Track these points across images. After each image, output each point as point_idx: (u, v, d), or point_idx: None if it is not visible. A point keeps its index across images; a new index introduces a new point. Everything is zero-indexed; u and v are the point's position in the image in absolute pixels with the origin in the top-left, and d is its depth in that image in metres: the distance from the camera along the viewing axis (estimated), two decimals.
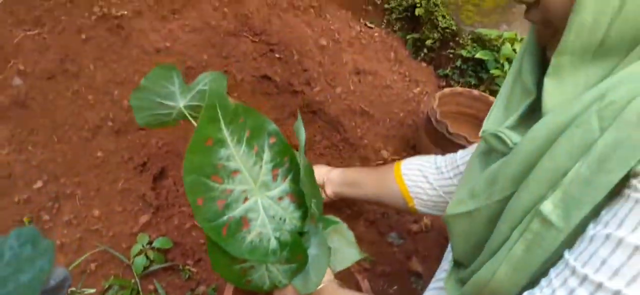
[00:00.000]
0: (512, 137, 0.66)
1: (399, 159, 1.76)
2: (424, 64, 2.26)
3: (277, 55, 1.78)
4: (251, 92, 1.73)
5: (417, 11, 2.32)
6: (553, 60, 0.58)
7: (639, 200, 0.47)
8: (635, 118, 0.48)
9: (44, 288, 0.87)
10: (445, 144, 1.56)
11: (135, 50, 1.68)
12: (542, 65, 0.68)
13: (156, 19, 1.74)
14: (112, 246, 1.44)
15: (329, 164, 1.62)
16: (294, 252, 0.80)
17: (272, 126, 0.81)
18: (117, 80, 1.65)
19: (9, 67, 1.65)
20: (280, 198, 0.82)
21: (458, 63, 2.09)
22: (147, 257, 1.41)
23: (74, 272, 1.40)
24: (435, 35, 2.20)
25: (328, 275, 0.95)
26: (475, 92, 1.74)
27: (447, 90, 1.73)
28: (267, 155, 0.80)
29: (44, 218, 1.48)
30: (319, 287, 0.89)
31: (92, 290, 1.38)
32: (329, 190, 1.37)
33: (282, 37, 1.80)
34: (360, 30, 2.13)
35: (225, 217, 0.76)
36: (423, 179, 1.17)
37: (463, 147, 1.35)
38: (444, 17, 2.17)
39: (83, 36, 1.68)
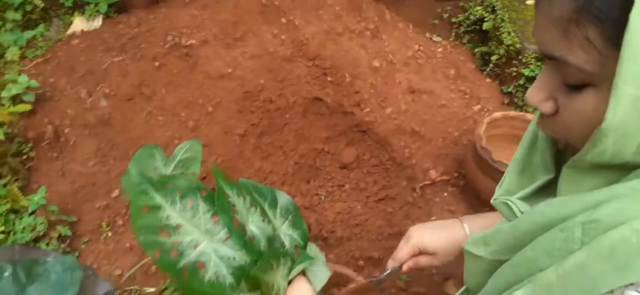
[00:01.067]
0: (519, 207, 0.67)
1: (448, 179, 1.77)
2: (489, 80, 2.20)
3: (329, 79, 1.86)
4: (303, 113, 1.83)
5: (485, 25, 2.27)
6: (569, 164, 0.56)
7: None
8: (607, 250, 0.47)
9: None
10: (489, 171, 1.53)
11: (201, 75, 1.86)
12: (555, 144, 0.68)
13: (221, 46, 1.91)
14: None
15: (376, 185, 1.68)
16: (251, 282, 0.89)
17: (198, 183, 0.91)
18: (184, 103, 1.84)
19: (98, 90, 1.91)
20: (226, 239, 0.90)
21: (521, 81, 2.02)
22: None
23: (137, 273, 1.59)
24: (501, 51, 2.14)
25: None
26: (529, 116, 1.67)
27: (498, 114, 1.69)
28: (202, 207, 0.89)
29: (118, 223, 1.70)
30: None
31: (152, 289, 1.56)
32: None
33: (335, 61, 1.88)
34: (418, 49, 2.14)
35: (181, 263, 0.86)
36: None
37: None
38: (509, 33, 2.10)
39: (157, 63, 1.89)
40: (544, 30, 0.49)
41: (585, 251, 0.48)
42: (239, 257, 0.87)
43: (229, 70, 1.85)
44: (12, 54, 2.10)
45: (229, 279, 0.85)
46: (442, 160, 1.81)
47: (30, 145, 1.85)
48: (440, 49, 2.26)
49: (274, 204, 1.03)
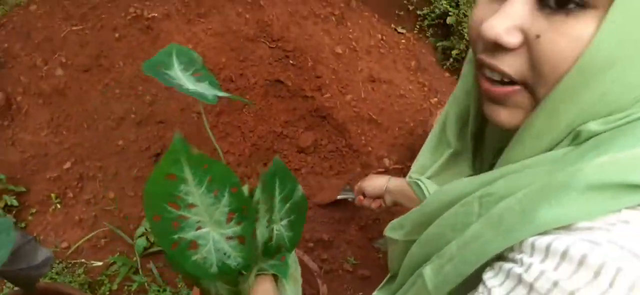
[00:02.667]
0: (428, 187, 0.71)
1: (401, 168, 1.80)
2: (448, 74, 2.25)
3: (291, 62, 1.86)
4: (263, 95, 1.83)
5: (449, 19, 2.31)
6: (525, 124, 0.52)
7: None
8: (496, 219, 0.49)
9: (29, 264, 1.04)
10: None
11: (161, 49, 1.84)
12: (467, 113, 0.71)
13: (183, 22, 1.89)
14: (120, 226, 1.60)
15: (331, 170, 1.70)
16: (231, 280, 0.90)
17: (236, 179, 0.89)
18: (142, 77, 1.81)
19: (54, 58, 1.86)
20: (230, 238, 0.90)
21: None
22: (148, 240, 1.55)
23: (85, 246, 1.58)
24: (461, 46, 2.18)
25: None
26: None
27: None
28: (225, 200, 0.88)
29: (69, 195, 1.67)
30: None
31: (100, 263, 1.55)
32: (388, 200, 1.32)
33: (299, 44, 1.89)
34: (382, 39, 2.16)
35: (176, 236, 0.86)
36: None
37: None
38: None
39: (117, 34, 1.85)
40: None
41: (480, 222, 0.51)
42: (233, 257, 0.88)
43: (190, 46, 1.83)
44: None
45: (214, 269, 0.86)
46: (397, 149, 1.85)
47: None
48: (403, 41, 2.29)
49: (288, 197, 1.01)
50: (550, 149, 0.50)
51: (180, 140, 0.81)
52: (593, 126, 0.46)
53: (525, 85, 0.49)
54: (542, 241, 0.43)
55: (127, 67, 1.82)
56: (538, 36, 0.46)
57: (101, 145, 1.74)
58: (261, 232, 0.95)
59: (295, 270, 1.05)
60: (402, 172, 1.82)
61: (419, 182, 0.72)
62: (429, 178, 0.73)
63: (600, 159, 0.42)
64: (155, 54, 1.86)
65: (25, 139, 1.78)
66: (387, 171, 1.78)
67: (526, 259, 0.43)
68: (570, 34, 0.44)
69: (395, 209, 1.33)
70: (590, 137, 0.46)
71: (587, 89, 0.45)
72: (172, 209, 0.82)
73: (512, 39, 0.47)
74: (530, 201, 0.45)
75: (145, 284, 1.51)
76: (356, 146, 1.80)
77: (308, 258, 1.31)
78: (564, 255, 0.40)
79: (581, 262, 0.39)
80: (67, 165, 1.72)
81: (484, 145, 0.71)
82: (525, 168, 0.51)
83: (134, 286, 1.49)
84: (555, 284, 0.39)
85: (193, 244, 0.86)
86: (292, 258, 1.05)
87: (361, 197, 1.37)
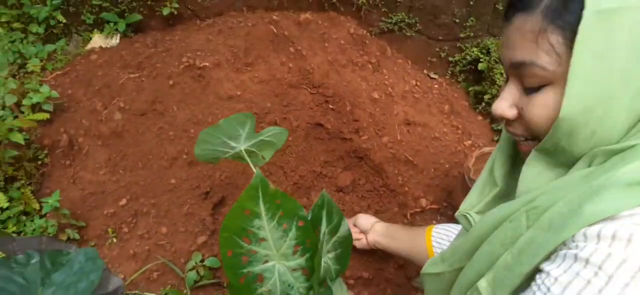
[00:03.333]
0: (475, 219, 0.81)
1: (437, 208, 1.87)
2: (481, 117, 2.33)
3: (331, 106, 1.98)
4: (304, 137, 1.94)
5: (480, 66, 2.41)
6: (532, 156, 0.70)
7: (537, 291, 0.58)
8: (547, 223, 0.60)
9: (104, 292, 1.15)
10: None
11: (211, 96, 1.98)
12: (512, 160, 0.82)
13: (232, 70, 2.03)
14: (172, 260, 1.71)
15: (369, 209, 1.78)
16: None
17: (303, 212, 0.98)
18: (194, 121, 1.95)
19: (113, 103, 2.02)
20: (295, 269, 0.99)
21: None
22: (198, 273, 1.65)
23: (139, 279, 1.69)
24: (493, 91, 2.27)
25: None
26: None
27: (486, 149, 1.81)
28: (292, 233, 0.97)
29: (124, 230, 1.80)
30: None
31: None
32: (371, 238, 1.55)
33: (338, 90, 2.01)
34: (416, 84, 2.27)
35: (245, 270, 0.95)
36: (448, 244, 1.28)
37: None
38: (502, 74, 2.23)
39: (171, 82, 2.01)
40: (516, 43, 0.63)
41: (531, 230, 0.62)
42: (296, 288, 0.97)
43: (238, 93, 1.98)
44: (33, 65, 2.23)
45: None
46: (433, 189, 1.92)
47: (45, 152, 1.96)
48: (436, 86, 2.39)
49: (335, 230, 1.10)
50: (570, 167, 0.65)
51: (261, 177, 0.91)
52: (608, 147, 0.59)
53: (533, 138, 0.69)
54: (592, 230, 0.53)
55: (180, 112, 1.96)
56: (523, 108, 0.66)
57: (155, 183, 1.87)
58: (326, 262, 1.03)
59: (341, 289, 1.12)
60: (438, 211, 1.89)
61: (467, 215, 0.82)
62: (477, 213, 0.83)
63: (631, 165, 0.55)
64: (206, 100, 2.01)
65: (85, 178, 1.93)
66: (423, 211, 1.85)
67: (580, 244, 0.54)
68: (540, 104, 0.63)
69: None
70: (610, 156, 0.59)
71: (572, 137, 0.61)
72: (244, 244, 0.91)
73: (510, 113, 0.69)
74: (574, 203, 0.57)
75: None
76: (393, 186, 1.88)
77: (351, 293, 1.38)
78: (613, 237, 0.51)
79: (630, 240, 0.49)
80: (123, 202, 1.86)
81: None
82: (561, 185, 0.62)
83: None
84: (609, 255, 0.50)
85: (260, 278, 0.94)
86: (338, 284, 1.13)
87: (352, 225, 1.65)
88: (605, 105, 0.57)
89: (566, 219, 0.57)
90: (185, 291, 1.65)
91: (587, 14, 0.54)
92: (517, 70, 0.64)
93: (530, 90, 0.64)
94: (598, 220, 0.54)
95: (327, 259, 1.09)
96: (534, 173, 0.69)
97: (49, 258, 0.97)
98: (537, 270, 0.60)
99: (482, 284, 0.68)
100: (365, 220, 1.62)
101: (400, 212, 1.84)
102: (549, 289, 0.55)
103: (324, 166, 1.93)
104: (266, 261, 0.96)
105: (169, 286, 1.66)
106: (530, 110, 0.65)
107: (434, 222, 1.85)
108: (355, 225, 1.65)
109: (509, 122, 0.71)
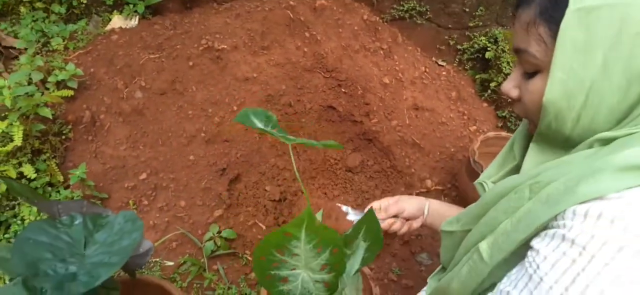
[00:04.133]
0: (490, 186, 0.89)
1: (442, 189, 1.96)
2: (486, 104, 2.40)
3: (343, 90, 2.06)
4: (317, 119, 2.03)
5: (488, 54, 2.48)
6: (534, 139, 0.78)
7: (527, 270, 0.65)
8: (545, 197, 0.66)
9: (136, 252, 1.24)
10: None
11: (229, 77, 2.07)
12: (529, 139, 0.90)
13: (249, 53, 2.12)
14: (190, 231, 1.81)
15: (376, 189, 1.87)
16: None
17: (340, 243, 1.04)
18: (212, 101, 2.04)
19: (134, 82, 2.11)
20: (317, 281, 1.08)
21: None
22: (215, 243, 1.75)
23: (159, 248, 1.79)
24: (499, 79, 2.34)
25: None
26: None
27: (491, 133, 1.89)
28: (325, 256, 1.03)
29: (144, 203, 1.90)
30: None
31: (171, 263, 1.76)
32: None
33: (350, 74, 2.09)
34: (425, 70, 2.34)
35: (273, 272, 1.04)
36: None
37: None
38: (508, 63, 2.31)
39: (190, 63, 2.10)
40: (516, 33, 0.71)
41: (531, 202, 0.69)
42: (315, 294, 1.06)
43: (255, 75, 2.06)
44: (57, 43, 2.32)
45: None
46: (438, 172, 2.01)
47: (69, 127, 2.05)
48: (444, 73, 2.47)
49: (369, 240, 1.16)
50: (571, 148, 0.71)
51: (309, 212, 0.99)
52: (607, 133, 0.66)
53: (531, 121, 0.77)
54: (581, 208, 0.60)
55: (198, 92, 2.05)
56: (522, 91, 0.74)
57: (174, 159, 1.97)
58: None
59: (357, 281, 1.21)
60: (443, 192, 1.98)
61: (483, 183, 0.90)
62: (493, 182, 0.91)
63: (630, 150, 0.60)
64: (224, 81, 2.10)
65: (106, 152, 2.02)
66: (428, 191, 1.94)
67: (568, 222, 0.60)
68: (532, 90, 0.71)
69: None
70: (610, 140, 0.65)
71: (564, 121, 0.68)
72: (277, 254, 0.99)
73: (513, 94, 0.76)
74: (572, 181, 0.63)
75: (212, 282, 1.71)
76: (400, 167, 1.97)
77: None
78: (599, 216, 0.57)
79: (612, 221, 0.55)
80: (143, 176, 1.95)
81: None
82: (565, 162, 0.69)
83: (205, 283, 1.68)
84: (593, 236, 0.56)
85: (284, 279, 1.03)
86: (356, 277, 1.22)
87: (391, 220, 1.24)
88: (586, 93, 0.63)
89: (562, 195, 0.63)
90: (202, 260, 1.75)
91: (569, 10, 0.61)
92: (518, 56, 0.72)
93: (527, 75, 0.72)
94: (588, 200, 0.59)
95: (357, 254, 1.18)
96: (535, 154, 0.78)
97: (91, 220, 1.07)
98: (529, 247, 0.66)
99: (483, 245, 0.76)
100: (413, 206, 1.24)
101: (407, 192, 1.93)
102: (538, 266, 0.61)
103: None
104: (294, 269, 1.05)
105: (188, 255, 1.77)
106: (525, 93, 0.73)
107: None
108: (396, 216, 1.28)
109: (513, 102, 0.78)
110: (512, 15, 0.75)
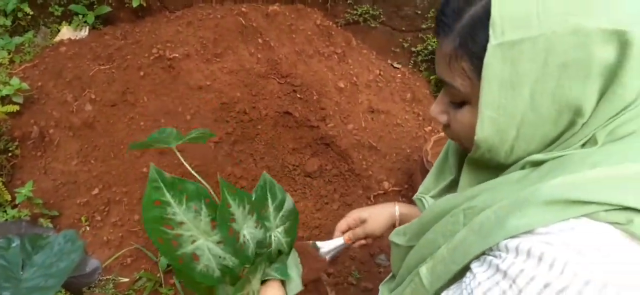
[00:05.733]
0: (429, 203, 0.89)
1: (399, 190, 1.97)
2: None
3: (299, 95, 2.06)
4: (273, 125, 2.02)
5: None
6: (466, 162, 0.77)
7: (463, 292, 0.64)
8: (477, 226, 0.66)
9: (81, 272, 1.21)
10: None
11: (181, 86, 2.04)
12: (462, 154, 0.90)
13: (201, 61, 2.09)
14: (145, 246, 1.77)
15: (335, 193, 1.88)
16: (234, 280, 1.07)
17: (205, 191, 1.07)
18: (164, 110, 2.00)
19: (83, 95, 2.06)
20: (220, 242, 1.08)
21: None
22: None
23: (113, 264, 1.74)
24: None
25: None
26: None
27: (443, 133, 1.91)
28: (204, 212, 1.06)
29: (97, 218, 1.85)
30: None
31: (126, 279, 1.71)
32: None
33: (305, 79, 2.09)
34: (379, 73, 2.36)
35: (179, 252, 1.03)
36: None
37: None
38: None
39: (141, 73, 2.06)
40: (439, 62, 0.69)
41: (465, 229, 0.68)
42: (228, 258, 1.05)
43: (208, 83, 2.03)
44: (1, 57, 2.23)
45: (217, 273, 1.03)
46: (395, 173, 2.03)
47: (16, 143, 1.98)
48: (399, 75, 2.49)
49: (280, 206, 1.19)
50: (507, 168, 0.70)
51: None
52: (537, 156, 0.66)
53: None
54: (512, 243, 0.60)
55: (150, 102, 2.01)
56: (450, 119, 0.73)
57: (127, 172, 1.92)
58: (250, 233, 1.11)
59: (294, 261, 1.21)
60: (400, 193, 2.00)
61: (423, 199, 0.90)
62: (432, 198, 0.91)
63: (553, 181, 0.60)
64: (176, 90, 2.06)
65: (57, 168, 1.96)
66: (386, 193, 1.96)
67: (503, 254, 0.60)
68: (460, 120, 0.69)
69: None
70: (540, 162, 0.65)
71: (497, 152, 0.67)
72: (168, 230, 0.99)
73: (442, 119, 0.74)
74: (502, 212, 0.63)
75: None
76: (358, 170, 1.98)
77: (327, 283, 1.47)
78: (528, 253, 0.57)
79: (540, 258, 0.55)
80: (96, 191, 1.90)
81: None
82: (498, 185, 0.69)
83: None
84: (522, 270, 0.56)
85: (194, 256, 1.03)
86: (294, 259, 1.22)
87: (361, 242, 1.23)
88: (518, 127, 0.63)
89: (492, 228, 0.63)
90: (158, 275, 1.71)
91: (490, 46, 0.58)
92: (444, 86, 0.71)
93: (455, 104, 0.70)
94: (518, 234, 0.59)
95: (277, 234, 1.18)
96: (469, 175, 0.78)
97: (29, 241, 1.03)
98: (468, 268, 0.66)
99: (423, 271, 0.76)
100: (381, 225, 1.20)
101: (365, 195, 1.94)
102: (472, 291, 0.62)
103: (292, 153, 2.01)
104: (194, 241, 1.04)
105: (143, 270, 1.72)
106: (453, 123, 0.71)
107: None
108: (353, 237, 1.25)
109: (443, 127, 0.76)
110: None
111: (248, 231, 1.12)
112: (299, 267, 1.23)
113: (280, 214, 1.20)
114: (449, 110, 0.73)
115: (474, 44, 0.61)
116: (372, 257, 1.80)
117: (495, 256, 0.61)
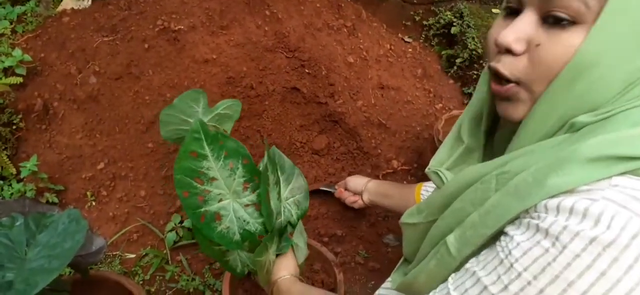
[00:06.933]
0: (447, 175, 0.85)
1: (408, 169, 1.94)
2: (452, 81, 2.39)
3: (307, 70, 2.01)
4: (281, 101, 1.98)
5: (453, 30, 2.45)
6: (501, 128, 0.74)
7: (499, 254, 0.62)
8: (513, 189, 0.63)
9: (87, 251, 1.18)
10: None
11: (187, 59, 1.99)
12: (479, 119, 0.86)
13: (207, 33, 2.04)
14: (151, 222, 1.75)
15: (343, 171, 1.85)
16: (253, 246, 1.04)
17: (245, 151, 1.04)
18: (170, 84, 1.96)
19: (87, 67, 2.01)
20: (247, 205, 1.06)
21: None
22: (177, 234, 1.70)
23: (119, 240, 1.73)
24: (465, 55, 2.32)
25: (291, 269, 1.15)
26: None
27: (456, 112, 1.87)
28: (240, 172, 1.04)
29: (102, 193, 1.83)
30: (280, 278, 1.12)
31: (132, 255, 1.70)
32: (366, 198, 1.62)
33: (314, 54, 2.03)
34: (390, 48, 2.31)
35: (202, 209, 1.01)
36: None
37: None
38: (473, 38, 2.29)
39: (146, 45, 2.01)
40: None
41: (498, 194, 0.66)
42: (252, 223, 1.03)
43: (214, 56, 1.99)
44: (3, 27, 2.19)
45: (237, 237, 1.01)
46: (404, 151, 1.99)
47: (20, 116, 1.95)
48: (410, 50, 2.43)
49: (290, 179, 1.19)
50: (549, 137, 0.66)
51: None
52: (583, 118, 0.62)
53: (518, 83, 0.67)
54: (552, 202, 0.58)
55: (155, 76, 1.97)
56: (538, 45, 0.63)
57: (132, 147, 1.89)
58: (274, 203, 1.10)
59: (300, 229, 1.21)
60: (410, 172, 1.96)
61: (438, 172, 0.86)
62: (446, 169, 0.87)
63: (594, 139, 0.58)
64: (182, 63, 2.02)
65: (61, 142, 1.94)
66: (395, 172, 1.92)
67: (542, 215, 0.58)
68: (564, 43, 0.61)
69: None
70: (583, 126, 0.62)
71: (576, 84, 0.61)
72: (197, 184, 0.97)
73: (519, 46, 0.65)
74: (540, 173, 0.60)
75: (175, 274, 1.66)
76: (366, 149, 1.94)
77: (325, 250, 1.45)
78: (571, 210, 0.55)
79: (585, 214, 0.54)
80: (101, 166, 1.88)
81: (495, 140, 0.86)
82: (532, 152, 0.66)
83: (167, 275, 1.63)
84: (565, 227, 0.54)
85: (217, 216, 1.01)
86: (300, 228, 1.21)
87: (342, 190, 1.71)
88: (616, 59, 0.59)
89: (531, 188, 0.61)
90: (165, 251, 1.70)
91: None
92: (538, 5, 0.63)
93: (555, 24, 0.62)
94: (558, 193, 0.58)
95: (287, 205, 1.18)
96: (502, 146, 0.74)
97: (33, 220, 1.01)
98: (502, 232, 0.64)
99: (451, 239, 0.73)
100: (356, 182, 1.66)
101: (373, 174, 1.91)
102: (510, 252, 0.59)
103: (300, 130, 1.98)
104: (221, 200, 1.02)
105: (149, 246, 1.71)
106: (548, 47, 0.62)
107: (404, 182, 1.92)
108: (347, 189, 1.70)
109: (502, 57, 0.68)
110: None
111: (273, 201, 1.10)
112: (304, 235, 1.23)
113: (290, 186, 1.20)
114: (532, 37, 0.64)
115: None
116: (379, 236, 1.78)
117: (533, 218, 0.59)
